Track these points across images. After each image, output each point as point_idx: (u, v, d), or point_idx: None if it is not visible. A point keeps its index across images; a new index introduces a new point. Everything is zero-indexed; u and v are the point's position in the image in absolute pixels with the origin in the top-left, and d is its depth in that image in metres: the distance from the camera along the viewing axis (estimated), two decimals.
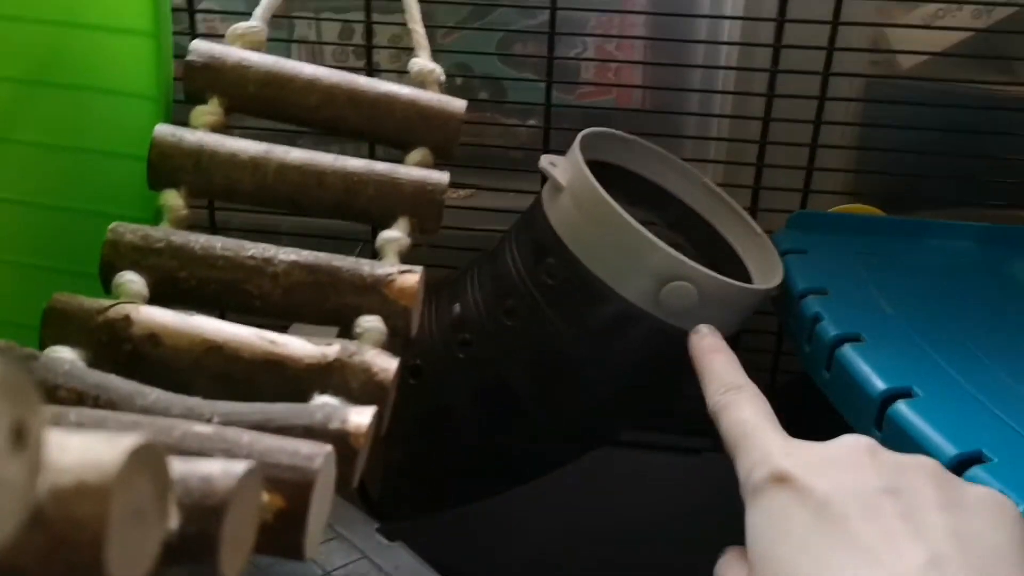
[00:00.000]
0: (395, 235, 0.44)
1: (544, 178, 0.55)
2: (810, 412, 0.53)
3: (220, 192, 0.44)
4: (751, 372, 0.68)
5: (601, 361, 0.54)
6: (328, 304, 0.40)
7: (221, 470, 0.21)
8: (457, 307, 0.58)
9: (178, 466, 0.21)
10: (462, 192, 0.70)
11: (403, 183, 0.45)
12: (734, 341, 0.65)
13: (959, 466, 0.38)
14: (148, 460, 0.17)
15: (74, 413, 0.28)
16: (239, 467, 0.22)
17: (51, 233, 0.50)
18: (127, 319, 0.36)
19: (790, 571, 0.31)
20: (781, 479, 0.34)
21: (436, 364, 0.57)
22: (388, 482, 0.62)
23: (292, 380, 0.36)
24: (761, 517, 0.34)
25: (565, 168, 0.54)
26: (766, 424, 0.38)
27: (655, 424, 0.72)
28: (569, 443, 0.61)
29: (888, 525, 0.31)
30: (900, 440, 0.41)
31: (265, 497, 0.26)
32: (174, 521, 0.20)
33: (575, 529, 0.72)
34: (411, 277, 0.41)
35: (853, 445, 0.35)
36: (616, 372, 0.55)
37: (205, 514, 0.21)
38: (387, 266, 0.41)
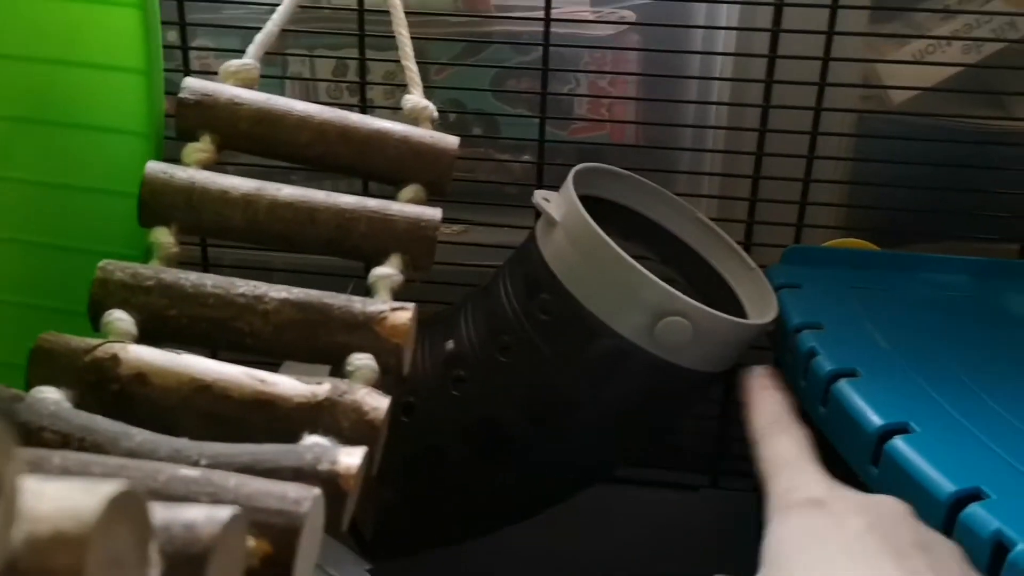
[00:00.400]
0: (387, 272, 0.43)
1: (538, 213, 0.55)
2: None
3: (211, 229, 0.44)
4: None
5: (595, 397, 0.54)
6: (319, 342, 0.40)
7: (205, 517, 0.21)
8: (451, 343, 0.57)
9: (160, 513, 0.21)
10: (455, 228, 0.69)
11: (396, 220, 0.45)
12: (730, 376, 0.65)
13: (958, 503, 0.38)
14: (128, 508, 0.17)
15: (58, 456, 0.27)
16: (223, 513, 0.21)
17: (40, 271, 0.50)
18: (115, 358, 0.35)
19: None
20: (819, 504, 0.35)
21: (429, 401, 0.57)
22: (381, 522, 0.61)
23: (282, 419, 0.35)
24: (792, 528, 0.35)
25: (559, 204, 0.54)
26: (808, 458, 0.39)
27: (652, 460, 0.72)
28: (564, 480, 0.60)
29: (917, 570, 0.33)
30: (897, 476, 0.41)
31: (251, 542, 0.25)
32: (156, 570, 0.20)
33: (571, 567, 0.71)
34: (403, 314, 0.40)
35: (893, 502, 0.37)
36: (611, 408, 0.54)
37: (188, 562, 0.20)
38: (379, 303, 0.41)
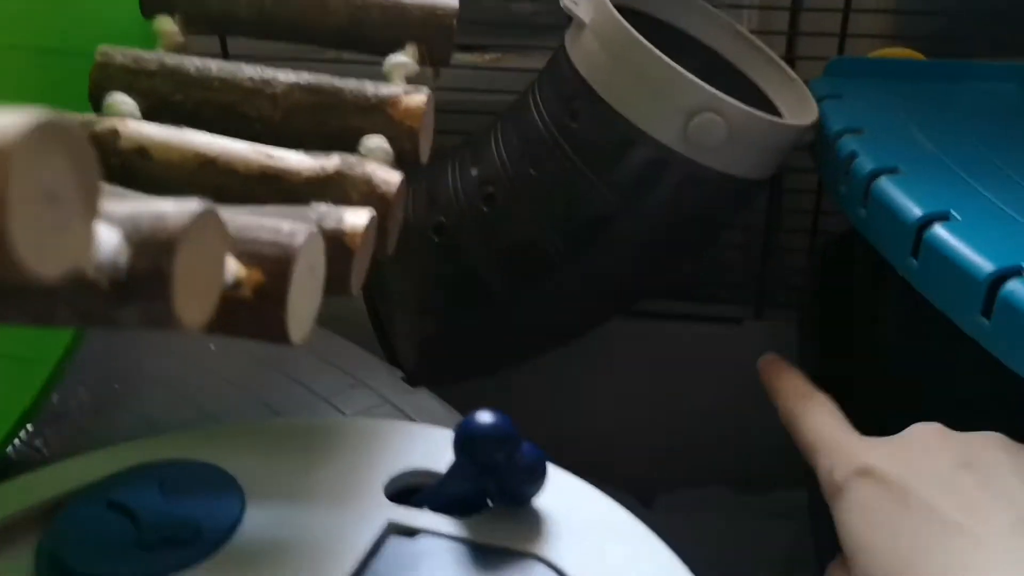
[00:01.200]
0: (402, 59, 0.41)
1: (568, 24, 0.53)
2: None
3: (217, 22, 0.42)
4: (790, 232, 0.66)
5: (630, 209, 0.52)
6: (330, 127, 0.38)
7: (175, 207, 0.20)
8: (481, 163, 0.56)
9: (129, 205, 0.20)
10: (487, 56, 0.67)
11: (410, 7, 0.42)
12: (775, 191, 0.63)
13: (998, 280, 0.36)
14: (62, 137, 0.16)
15: None
16: (193, 205, 0.20)
17: (40, 75, 0.48)
18: (115, 132, 0.34)
19: (887, 559, 0.33)
20: (862, 473, 0.36)
21: (460, 220, 0.55)
22: (424, 355, 0.61)
23: (290, 193, 0.34)
24: (849, 512, 0.36)
25: (587, 5, 0.51)
26: (840, 427, 0.39)
27: (693, 293, 0.71)
28: (600, 301, 0.59)
29: (968, 496, 0.33)
30: (938, 264, 0.39)
31: (242, 271, 0.25)
32: (123, 257, 0.19)
33: (612, 401, 0.71)
34: (418, 97, 0.39)
35: (923, 430, 0.37)
36: (646, 221, 0.53)
37: (156, 249, 0.19)
38: (392, 86, 0.39)
